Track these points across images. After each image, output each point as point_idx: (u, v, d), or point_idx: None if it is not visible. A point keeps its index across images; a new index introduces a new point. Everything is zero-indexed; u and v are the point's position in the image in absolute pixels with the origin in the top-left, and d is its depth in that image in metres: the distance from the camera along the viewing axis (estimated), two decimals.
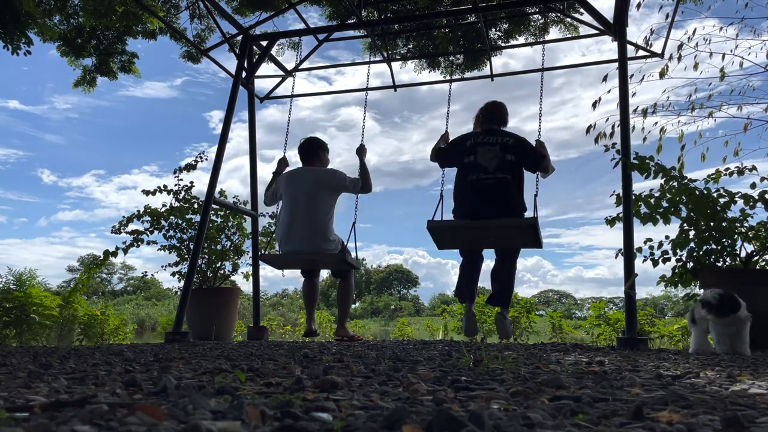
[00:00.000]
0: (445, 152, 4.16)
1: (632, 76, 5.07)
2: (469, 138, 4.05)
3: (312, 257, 4.38)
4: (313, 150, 4.66)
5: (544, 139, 4.28)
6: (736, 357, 3.18)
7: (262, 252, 4.73)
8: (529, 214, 3.88)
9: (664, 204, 4.65)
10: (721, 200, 4.54)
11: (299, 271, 4.94)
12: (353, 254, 4.48)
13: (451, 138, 4.29)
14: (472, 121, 4.39)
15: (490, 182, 3.74)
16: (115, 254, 6.27)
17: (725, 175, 4.67)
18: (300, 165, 4.81)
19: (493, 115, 4.18)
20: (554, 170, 4.14)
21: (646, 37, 5.99)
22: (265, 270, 6.09)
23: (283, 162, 4.92)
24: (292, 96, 6.29)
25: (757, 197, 4.49)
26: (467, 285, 4.33)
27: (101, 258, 6.37)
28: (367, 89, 5.79)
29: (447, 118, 4.41)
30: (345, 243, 4.53)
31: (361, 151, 4.75)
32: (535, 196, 3.79)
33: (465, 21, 6.83)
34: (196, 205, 6.44)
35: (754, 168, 4.60)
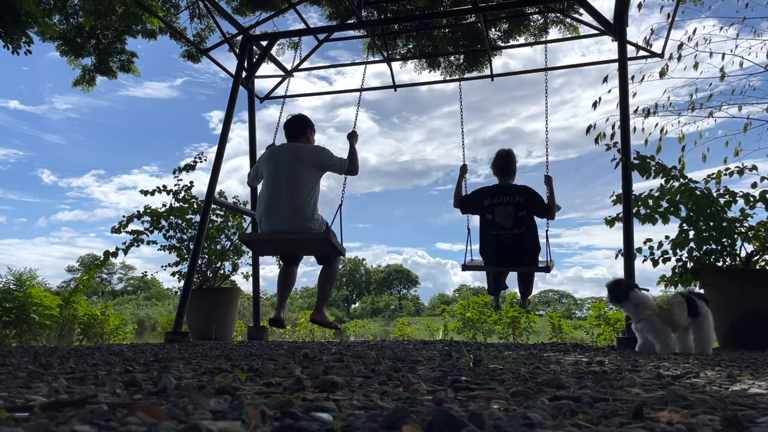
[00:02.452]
0: (467, 206, 4.86)
1: (632, 76, 5.08)
2: (487, 197, 4.66)
3: (293, 236, 4.05)
4: (301, 127, 4.35)
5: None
6: (737, 357, 3.17)
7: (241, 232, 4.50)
8: (542, 252, 4.61)
9: (664, 204, 4.65)
10: (722, 200, 4.54)
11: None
12: (338, 238, 4.21)
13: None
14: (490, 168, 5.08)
15: (509, 238, 4.49)
16: (115, 254, 6.27)
17: (725, 175, 4.67)
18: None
19: (502, 168, 4.83)
20: (560, 208, 4.74)
21: (646, 37, 6.00)
22: (265, 270, 6.11)
23: (270, 148, 4.66)
24: (285, 96, 6.29)
25: (757, 197, 4.49)
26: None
27: (101, 258, 6.37)
28: (362, 88, 5.79)
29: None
30: (329, 225, 4.20)
31: (352, 136, 4.59)
32: (546, 239, 4.60)
33: (465, 21, 6.83)
34: (195, 205, 6.44)
35: (754, 167, 4.59)
